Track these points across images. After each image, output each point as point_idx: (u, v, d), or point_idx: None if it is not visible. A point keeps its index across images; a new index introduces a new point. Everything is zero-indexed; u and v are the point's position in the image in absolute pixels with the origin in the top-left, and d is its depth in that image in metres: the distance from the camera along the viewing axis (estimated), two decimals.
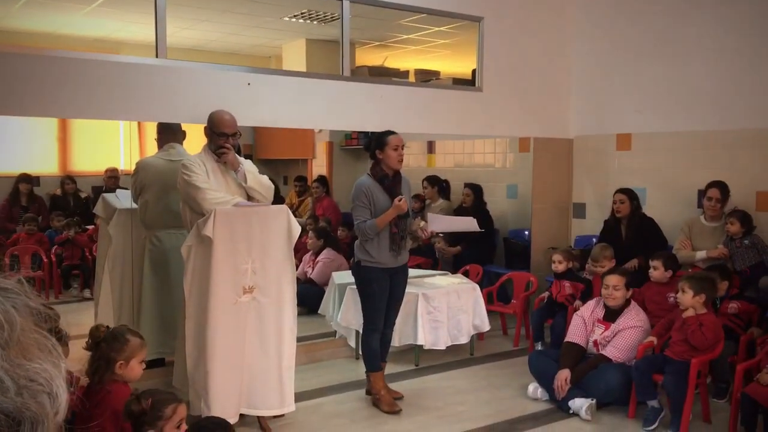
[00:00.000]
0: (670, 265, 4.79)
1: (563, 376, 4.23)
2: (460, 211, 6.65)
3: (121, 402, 2.48)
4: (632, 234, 5.41)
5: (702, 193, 5.27)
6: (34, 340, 0.70)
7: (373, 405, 4.30)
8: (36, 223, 5.98)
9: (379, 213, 4.10)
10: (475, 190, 6.69)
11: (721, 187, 5.09)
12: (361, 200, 4.13)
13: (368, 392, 4.41)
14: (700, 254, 5.02)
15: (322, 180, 7.49)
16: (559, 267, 5.33)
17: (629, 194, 5.48)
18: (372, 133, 4.68)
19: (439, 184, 7.03)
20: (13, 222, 6.03)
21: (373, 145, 4.22)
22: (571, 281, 5.32)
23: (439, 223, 4.45)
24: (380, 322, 4.29)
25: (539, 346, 5.31)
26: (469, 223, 4.67)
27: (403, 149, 4.19)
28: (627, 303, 4.42)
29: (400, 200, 4.06)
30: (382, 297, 4.25)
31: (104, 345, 2.70)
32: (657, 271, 4.74)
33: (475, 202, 6.64)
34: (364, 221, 4.10)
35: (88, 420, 2.63)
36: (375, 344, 4.33)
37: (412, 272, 5.44)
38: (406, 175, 4.37)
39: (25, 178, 6.04)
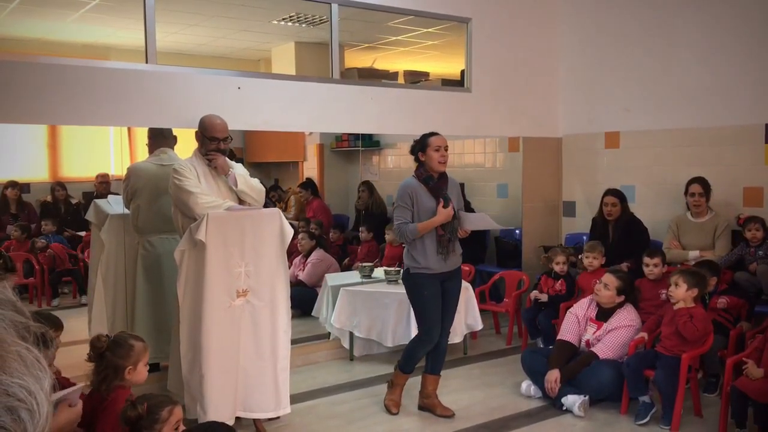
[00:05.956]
0: (666, 261, 4.85)
1: (553, 377, 4.27)
2: None
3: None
4: (620, 235, 5.46)
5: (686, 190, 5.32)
6: (16, 353, 0.67)
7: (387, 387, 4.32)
8: (27, 230, 5.96)
9: (423, 215, 3.95)
10: None
11: (703, 182, 5.17)
12: (404, 201, 3.97)
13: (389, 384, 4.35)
14: (693, 254, 5.07)
15: (307, 183, 7.47)
16: (564, 268, 5.36)
17: (620, 196, 5.52)
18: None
19: None
20: (2, 229, 6.01)
21: (417, 147, 4.06)
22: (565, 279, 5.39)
23: (470, 221, 4.13)
24: (436, 334, 4.05)
25: (540, 343, 5.34)
26: (486, 222, 4.28)
27: (446, 150, 4.01)
28: (620, 304, 4.46)
29: (445, 206, 3.91)
30: (435, 303, 4.02)
31: (109, 354, 2.71)
32: (657, 268, 4.78)
33: None
34: (405, 223, 3.94)
35: (91, 426, 2.64)
36: (420, 354, 4.15)
37: None
38: (453, 177, 4.19)
39: (12, 184, 6.02)
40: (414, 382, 4.34)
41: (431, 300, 4.02)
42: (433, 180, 4.01)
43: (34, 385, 0.67)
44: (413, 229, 3.92)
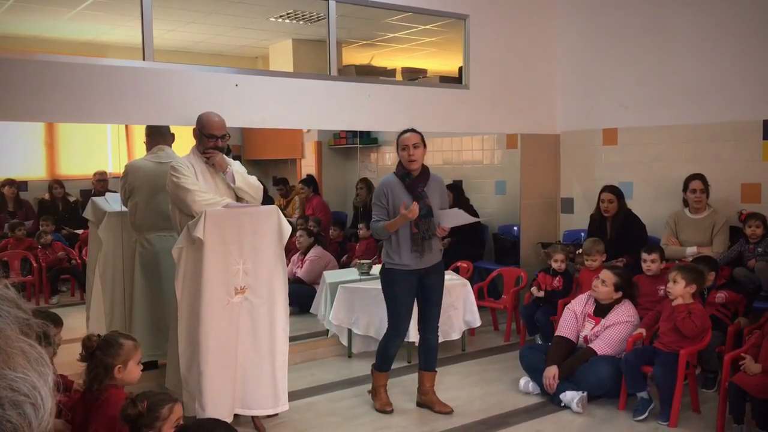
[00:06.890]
0: (664, 257, 4.86)
1: (551, 373, 4.28)
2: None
3: (117, 407, 2.48)
4: (618, 231, 5.46)
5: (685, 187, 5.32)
6: (20, 349, 0.67)
7: (371, 397, 4.30)
8: (25, 228, 5.95)
9: (398, 211, 3.91)
10: (454, 189, 6.70)
11: (703, 178, 5.18)
12: (379, 199, 4.03)
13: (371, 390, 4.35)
14: (690, 250, 5.08)
15: (308, 180, 7.48)
16: (562, 266, 5.37)
17: (617, 193, 5.52)
18: None
19: None
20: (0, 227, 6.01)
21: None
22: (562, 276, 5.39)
23: (446, 218, 4.08)
24: (403, 328, 4.11)
25: (538, 339, 5.35)
26: (461, 216, 4.23)
27: (416, 148, 3.97)
28: (618, 300, 4.47)
29: (421, 209, 3.86)
30: (404, 300, 4.07)
31: (99, 353, 2.70)
32: (655, 264, 4.78)
33: (455, 201, 6.65)
34: (377, 221, 4.00)
35: (85, 426, 2.64)
36: (392, 350, 4.17)
37: None
38: (438, 175, 4.17)
39: (10, 182, 6.01)
40: (412, 379, 4.35)
41: (401, 295, 4.05)
42: (410, 177, 4.01)
43: (38, 380, 0.67)
44: (381, 227, 3.96)
